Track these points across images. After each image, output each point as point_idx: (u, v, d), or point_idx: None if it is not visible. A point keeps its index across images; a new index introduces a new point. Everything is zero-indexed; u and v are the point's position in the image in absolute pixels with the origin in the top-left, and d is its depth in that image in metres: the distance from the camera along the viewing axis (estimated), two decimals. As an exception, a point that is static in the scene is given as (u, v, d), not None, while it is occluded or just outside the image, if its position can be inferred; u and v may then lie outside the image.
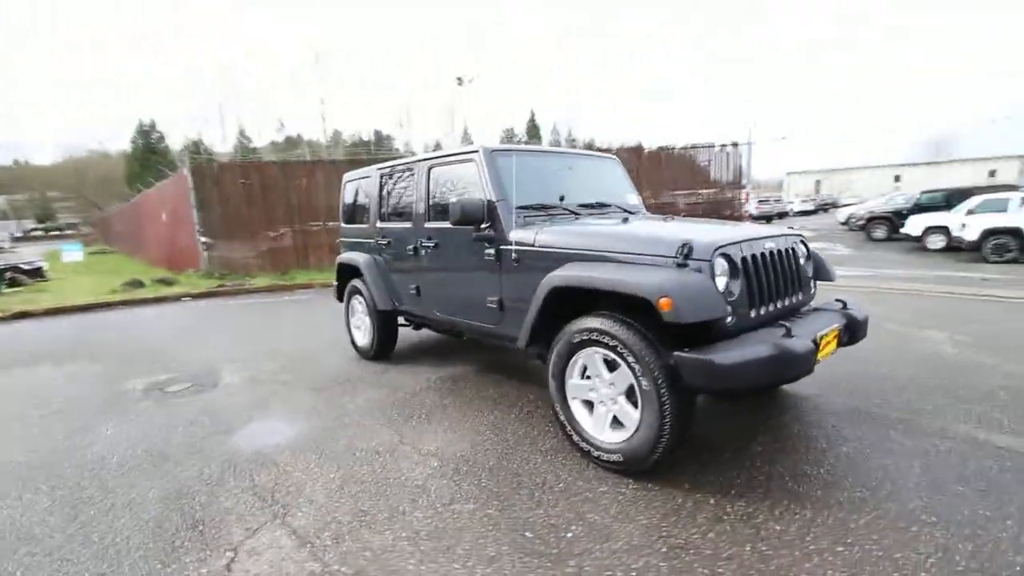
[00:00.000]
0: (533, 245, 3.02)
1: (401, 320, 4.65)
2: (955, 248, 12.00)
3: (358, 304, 4.87)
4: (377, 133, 52.92)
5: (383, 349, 4.70)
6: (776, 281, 2.70)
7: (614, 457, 2.50)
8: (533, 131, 48.94)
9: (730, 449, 2.75)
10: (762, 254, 2.64)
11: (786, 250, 2.84)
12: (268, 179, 11.75)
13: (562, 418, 2.77)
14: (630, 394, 2.48)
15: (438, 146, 48.04)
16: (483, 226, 3.24)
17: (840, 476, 2.44)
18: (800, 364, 2.26)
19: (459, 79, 26.68)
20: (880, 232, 16.18)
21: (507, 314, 3.25)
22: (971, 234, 11.35)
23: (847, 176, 50.69)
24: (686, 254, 2.38)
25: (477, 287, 3.43)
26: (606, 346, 2.47)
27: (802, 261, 3.00)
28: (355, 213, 4.98)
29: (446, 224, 3.64)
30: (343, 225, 5.18)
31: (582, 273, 2.60)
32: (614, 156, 4.32)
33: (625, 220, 3.18)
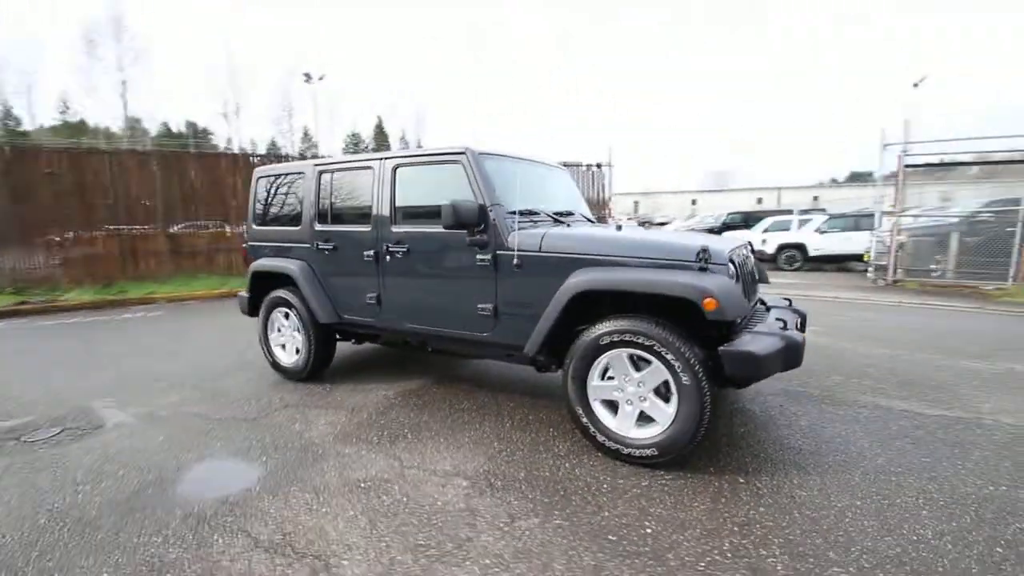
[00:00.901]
0: (539, 250, 3.01)
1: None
2: (757, 259, 14.84)
3: (283, 317, 4.25)
4: (192, 125, 46.07)
5: (319, 367, 4.17)
6: (750, 283, 3.12)
7: (647, 451, 2.61)
8: (381, 138, 47.55)
9: (723, 434, 3.07)
10: (743, 259, 3.04)
11: (748, 256, 3.30)
12: (82, 169, 9.49)
13: (584, 420, 2.80)
14: (658, 390, 2.63)
15: (273, 145, 43.71)
16: (476, 230, 3.13)
17: (816, 445, 2.91)
18: (800, 353, 2.65)
19: (307, 75, 24.76)
20: (700, 245, 19.39)
21: (502, 321, 3.17)
22: (770, 248, 14.22)
23: (658, 198, 59.36)
24: (706, 259, 2.62)
25: (465, 294, 3.28)
26: (640, 346, 2.58)
27: (753, 266, 3.50)
28: (277, 214, 4.35)
29: (424, 228, 3.44)
30: (255, 227, 4.48)
31: (615, 276, 2.68)
32: (564, 168, 4.50)
33: (619, 227, 3.35)
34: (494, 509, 2.32)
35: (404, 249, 3.50)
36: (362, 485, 2.57)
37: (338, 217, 3.93)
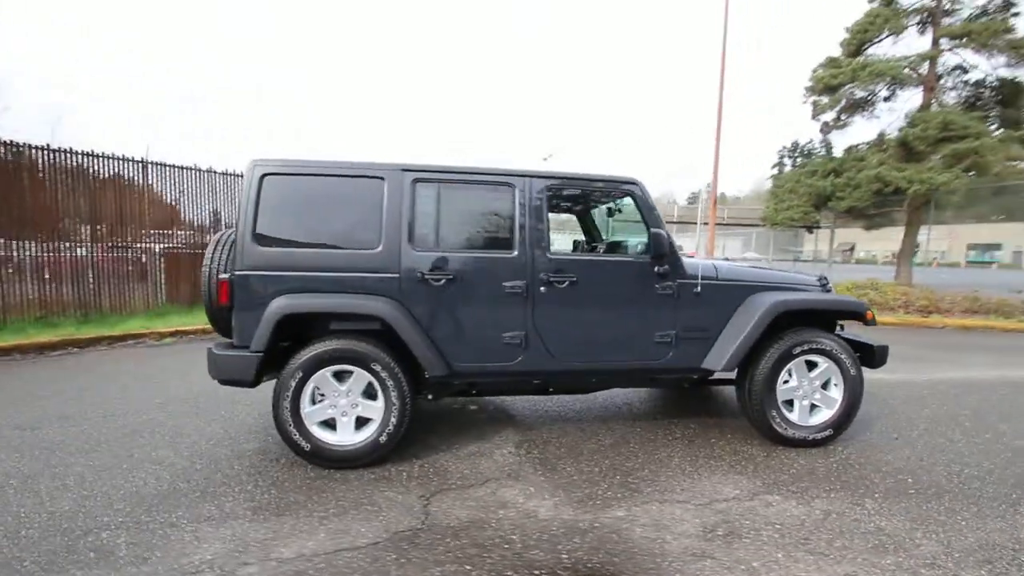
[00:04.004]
0: (716, 278, 3.36)
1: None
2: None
3: (334, 380, 2.96)
4: None
5: (401, 437, 3.09)
6: None
7: (826, 432, 3.35)
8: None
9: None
10: None
11: None
12: None
13: (777, 421, 3.30)
14: (824, 385, 3.42)
15: None
16: (665, 259, 3.23)
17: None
18: None
19: None
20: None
21: (680, 346, 3.33)
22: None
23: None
24: (825, 283, 3.62)
25: (645, 324, 3.27)
26: (821, 351, 3.32)
27: None
28: (316, 230, 3.02)
29: (593, 255, 3.26)
30: (261, 248, 2.95)
31: (799, 297, 3.35)
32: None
33: (726, 259, 3.95)
34: (834, 505, 2.61)
35: (571, 279, 3.16)
36: (718, 533, 2.37)
37: (454, 241, 3.12)
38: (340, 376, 2.99)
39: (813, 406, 3.43)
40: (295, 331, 2.99)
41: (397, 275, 3.02)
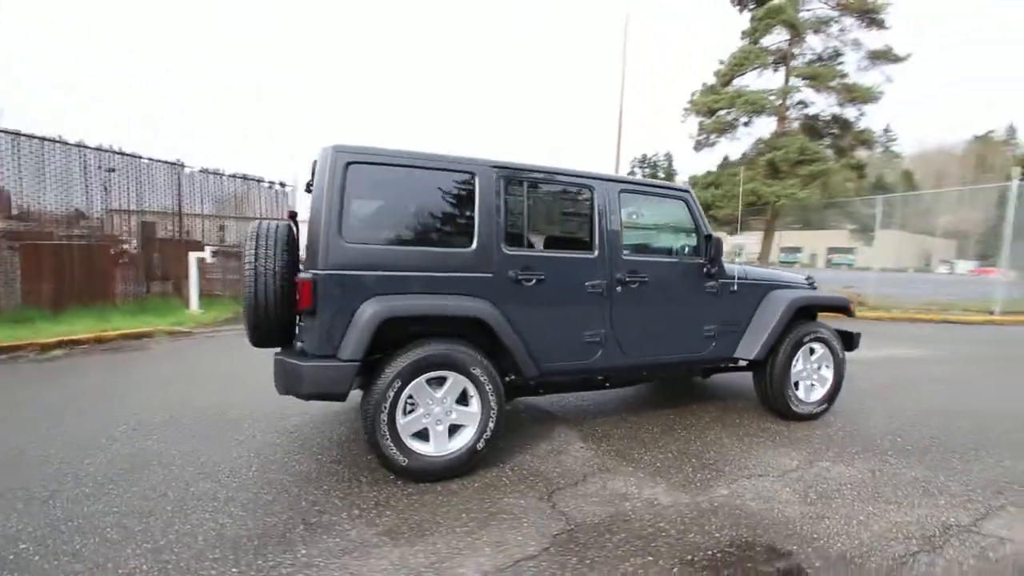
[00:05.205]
0: (746, 278, 3.81)
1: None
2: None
3: (429, 387, 2.79)
4: None
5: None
6: None
7: (823, 407, 3.99)
8: None
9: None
10: None
11: None
12: None
13: (793, 400, 3.85)
14: (818, 367, 4.07)
15: None
16: (714, 261, 3.58)
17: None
18: None
19: None
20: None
21: (719, 339, 3.71)
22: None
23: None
24: (812, 282, 4.30)
25: (695, 320, 3.59)
26: (821, 339, 3.95)
27: None
28: (408, 226, 2.79)
29: (657, 257, 3.51)
30: (349, 245, 2.65)
31: (811, 294, 3.92)
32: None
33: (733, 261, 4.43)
34: (871, 464, 3.16)
35: (642, 279, 3.34)
36: (813, 498, 2.75)
37: (541, 240, 3.10)
38: (431, 383, 2.81)
39: (812, 385, 4.07)
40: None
41: (490, 275, 2.92)
